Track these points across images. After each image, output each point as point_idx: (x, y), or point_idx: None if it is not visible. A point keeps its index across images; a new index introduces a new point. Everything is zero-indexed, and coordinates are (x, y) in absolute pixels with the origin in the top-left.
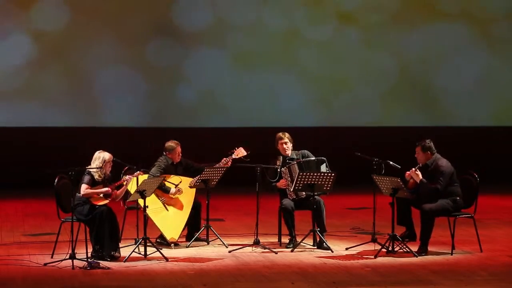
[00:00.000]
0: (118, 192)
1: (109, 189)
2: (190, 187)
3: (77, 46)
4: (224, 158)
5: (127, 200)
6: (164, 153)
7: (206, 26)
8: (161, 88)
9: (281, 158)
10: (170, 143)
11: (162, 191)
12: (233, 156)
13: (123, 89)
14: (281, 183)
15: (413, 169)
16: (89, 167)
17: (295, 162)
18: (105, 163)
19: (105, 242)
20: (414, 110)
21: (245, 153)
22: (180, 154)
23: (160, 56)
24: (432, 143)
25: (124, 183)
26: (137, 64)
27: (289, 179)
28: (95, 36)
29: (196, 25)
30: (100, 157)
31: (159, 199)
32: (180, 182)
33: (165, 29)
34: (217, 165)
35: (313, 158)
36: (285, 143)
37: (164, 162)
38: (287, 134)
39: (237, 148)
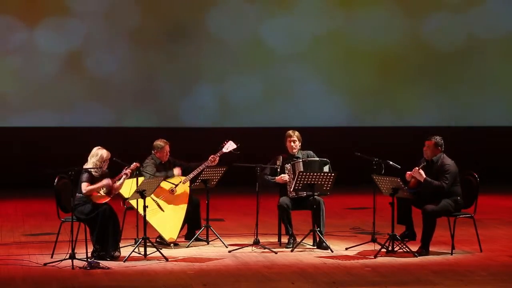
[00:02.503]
0: (117, 184)
1: (109, 180)
2: (190, 187)
3: (83, 48)
4: (212, 156)
5: (127, 200)
6: (153, 152)
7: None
8: (165, 89)
9: (281, 158)
10: (159, 142)
11: (167, 178)
12: (223, 150)
13: (123, 89)
14: (281, 178)
15: (416, 168)
16: (86, 165)
17: (300, 160)
18: (103, 162)
19: (109, 241)
20: (415, 110)
21: (235, 146)
22: (168, 153)
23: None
24: (442, 141)
25: (123, 177)
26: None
27: (292, 176)
28: (104, 39)
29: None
30: (98, 154)
31: (154, 200)
32: (180, 182)
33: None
34: (206, 163)
35: (317, 159)
36: (294, 141)
37: (152, 162)
38: (296, 133)
39: (227, 142)
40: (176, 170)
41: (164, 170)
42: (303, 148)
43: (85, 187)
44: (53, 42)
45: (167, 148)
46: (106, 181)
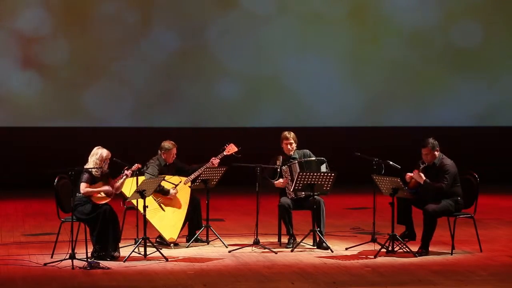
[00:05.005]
0: (118, 185)
1: (110, 187)
2: (190, 187)
3: (87, 43)
4: (213, 158)
5: (127, 200)
6: (159, 152)
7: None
8: (171, 89)
9: (280, 158)
10: (167, 143)
11: (162, 193)
12: (225, 153)
13: (123, 89)
14: (280, 182)
15: (416, 171)
16: (87, 165)
17: (296, 162)
18: (103, 161)
19: (109, 242)
20: (415, 110)
21: (236, 149)
22: (175, 156)
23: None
24: (436, 141)
25: (124, 177)
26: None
27: (289, 177)
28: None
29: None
30: (98, 153)
31: (155, 200)
32: (180, 182)
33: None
34: (207, 165)
35: (314, 158)
36: (290, 143)
37: (157, 163)
38: (292, 134)
39: (228, 144)
40: (173, 190)
41: (168, 172)
42: (299, 147)
43: (83, 187)
44: None
45: (174, 150)
46: (106, 187)
